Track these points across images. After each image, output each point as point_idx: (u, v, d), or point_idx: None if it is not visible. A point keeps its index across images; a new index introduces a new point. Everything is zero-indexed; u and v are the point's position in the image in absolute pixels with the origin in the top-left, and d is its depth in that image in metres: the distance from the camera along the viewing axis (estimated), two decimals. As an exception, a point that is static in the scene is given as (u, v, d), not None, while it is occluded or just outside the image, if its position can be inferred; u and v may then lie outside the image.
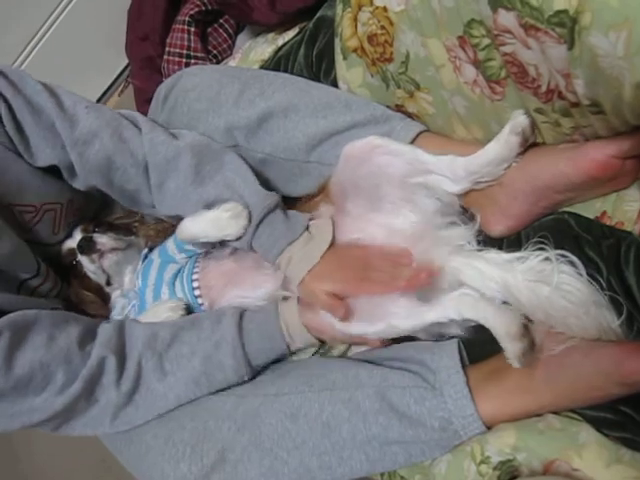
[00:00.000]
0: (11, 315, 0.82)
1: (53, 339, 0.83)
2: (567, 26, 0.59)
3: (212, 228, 0.90)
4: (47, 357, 0.81)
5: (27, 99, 0.89)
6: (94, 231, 1.01)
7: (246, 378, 0.89)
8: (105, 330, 0.89)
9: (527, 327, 0.76)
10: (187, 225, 0.92)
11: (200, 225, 0.91)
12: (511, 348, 0.75)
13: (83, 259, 0.98)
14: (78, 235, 1.01)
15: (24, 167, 0.93)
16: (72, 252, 1.00)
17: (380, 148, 0.88)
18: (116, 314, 1.02)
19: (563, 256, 0.79)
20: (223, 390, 0.89)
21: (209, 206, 0.91)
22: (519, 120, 0.79)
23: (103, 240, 0.98)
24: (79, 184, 0.97)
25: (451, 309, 0.80)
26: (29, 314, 0.84)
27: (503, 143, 0.81)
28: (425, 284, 0.81)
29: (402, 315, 0.82)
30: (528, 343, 0.75)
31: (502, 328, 0.76)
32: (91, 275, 0.99)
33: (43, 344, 0.81)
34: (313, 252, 0.87)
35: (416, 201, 0.90)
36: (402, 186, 0.89)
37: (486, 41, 0.72)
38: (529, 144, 0.82)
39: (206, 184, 0.92)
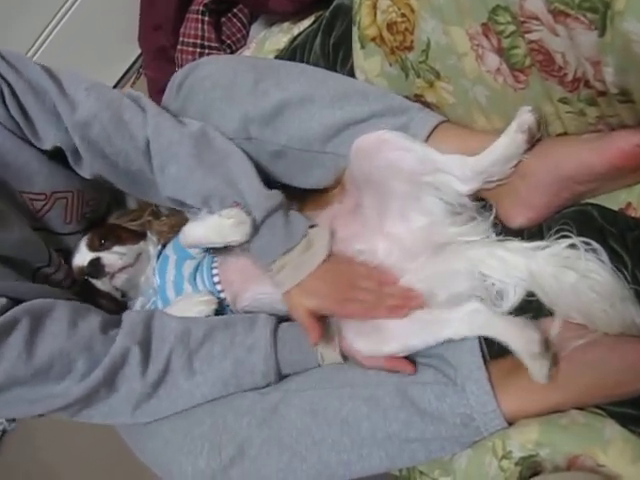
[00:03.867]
0: (29, 303, 0.82)
1: (74, 326, 0.82)
2: (599, 11, 0.58)
3: (215, 235, 0.88)
4: (68, 344, 0.80)
5: (29, 82, 0.88)
6: (100, 245, 0.98)
7: (272, 384, 0.88)
8: (131, 318, 0.88)
9: (547, 341, 0.75)
10: (190, 232, 0.91)
11: (202, 231, 0.89)
12: (535, 367, 0.74)
13: (94, 281, 0.97)
14: (84, 251, 0.99)
15: (33, 154, 0.93)
16: (82, 270, 0.98)
17: (391, 143, 0.87)
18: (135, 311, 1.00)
19: (587, 244, 0.78)
20: None
21: (207, 199, 0.89)
22: (525, 117, 0.79)
23: (111, 261, 0.96)
24: (86, 171, 0.95)
25: (464, 327, 0.80)
26: (48, 301, 0.83)
27: (510, 141, 0.80)
28: (404, 315, 0.84)
29: (415, 335, 0.83)
30: (551, 358, 0.74)
31: (523, 347, 0.74)
32: (105, 291, 0.99)
33: (64, 331, 0.81)
34: (305, 265, 0.86)
35: (425, 199, 0.89)
36: (412, 182, 0.88)
37: (511, 28, 0.71)
38: (536, 139, 0.81)
39: (207, 175, 0.90)
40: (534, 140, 0.81)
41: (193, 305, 0.93)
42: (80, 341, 0.81)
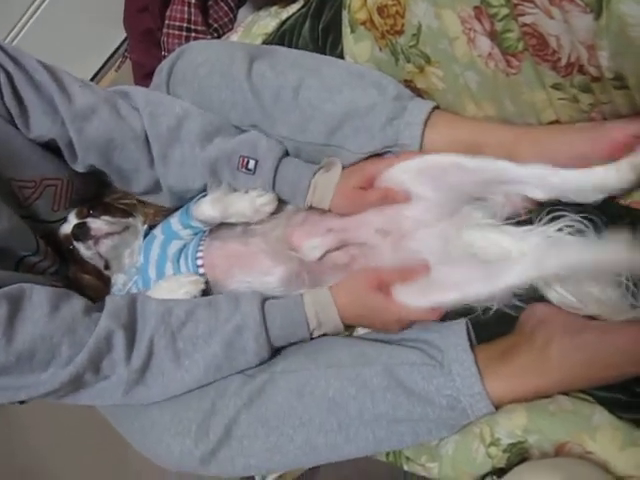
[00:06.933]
0: (6, 288, 0.80)
1: (56, 309, 0.80)
2: (595, -7, 0.57)
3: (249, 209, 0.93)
4: (49, 328, 0.78)
5: (27, 74, 0.89)
6: (89, 214, 0.98)
7: (266, 360, 0.87)
8: (114, 301, 0.86)
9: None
10: (227, 203, 0.93)
11: (242, 204, 0.93)
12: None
13: (79, 246, 0.96)
14: (73, 220, 0.98)
15: (25, 141, 0.92)
16: (68, 238, 0.97)
17: (463, 168, 0.84)
18: (117, 290, 0.99)
19: (579, 227, 0.78)
20: None
21: (214, 165, 0.94)
22: None
23: (97, 225, 0.95)
24: (79, 165, 0.97)
25: (530, 269, 0.75)
26: (27, 286, 0.81)
27: (616, 177, 0.75)
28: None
29: (477, 281, 0.79)
30: None
31: (620, 252, 0.69)
32: (89, 260, 0.97)
33: (45, 315, 0.78)
34: (332, 180, 0.92)
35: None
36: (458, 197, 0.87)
37: (504, 11, 0.70)
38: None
39: (208, 145, 0.93)
40: None
41: (179, 286, 0.91)
42: (62, 325, 0.79)
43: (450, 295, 0.81)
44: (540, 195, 0.81)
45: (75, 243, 0.96)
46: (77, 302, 0.84)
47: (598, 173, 0.76)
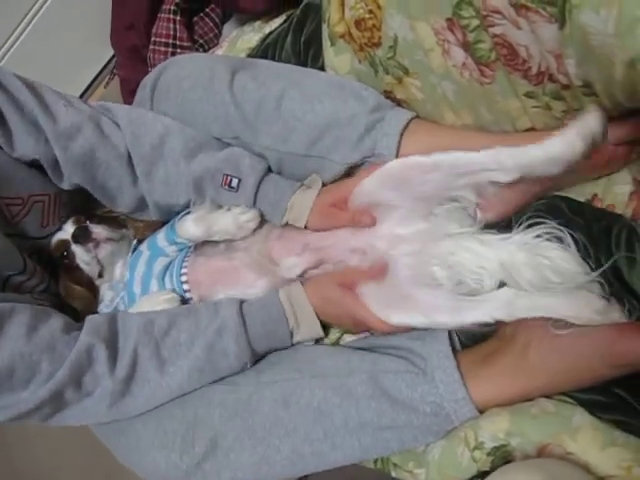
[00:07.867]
0: None
1: (34, 329, 0.80)
2: (558, 4, 0.58)
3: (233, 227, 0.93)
4: (28, 348, 0.78)
5: (10, 94, 0.89)
6: (87, 222, 1.00)
7: (248, 365, 0.87)
8: (94, 319, 0.86)
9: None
10: (210, 223, 0.94)
11: (224, 221, 0.93)
12: (610, 320, 0.72)
13: (78, 249, 0.97)
14: (70, 227, 0.99)
15: (9, 159, 0.93)
16: (63, 244, 0.98)
17: (419, 168, 0.83)
18: (104, 306, 1.00)
19: (557, 233, 0.79)
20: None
21: (199, 181, 0.94)
22: (591, 123, 0.68)
23: (98, 230, 0.98)
24: (64, 183, 0.97)
25: (499, 310, 0.77)
26: (7, 306, 0.81)
27: (566, 146, 0.71)
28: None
29: (444, 312, 0.80)
30: (619, 307, 0.72)
31: (587, 311, 0.72)
32: (84, 267, 0.98)
33: (22, 334, 0.78)
34: (308, 198, 0.92)
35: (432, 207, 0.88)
36: (427, 198, 0.86)
37: (475, 22, 0.72)
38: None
39: (192, 161, 0.94)
40: (594, 149, 0.70)
41: (157, 303, 0.92)
42: (41, 343, 0.79)
43: (415, 318, 0.81)
44: (504, 178, 0.77)
45: (74, 246, 0.97)
46: (56, 321, 0.84)
47: (547, 146, 0.72)
